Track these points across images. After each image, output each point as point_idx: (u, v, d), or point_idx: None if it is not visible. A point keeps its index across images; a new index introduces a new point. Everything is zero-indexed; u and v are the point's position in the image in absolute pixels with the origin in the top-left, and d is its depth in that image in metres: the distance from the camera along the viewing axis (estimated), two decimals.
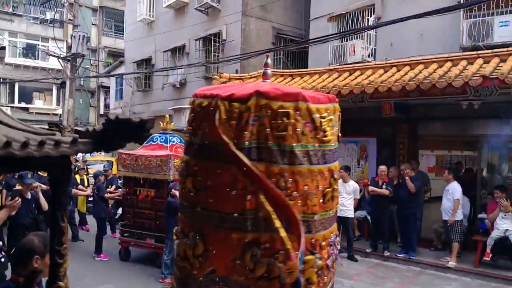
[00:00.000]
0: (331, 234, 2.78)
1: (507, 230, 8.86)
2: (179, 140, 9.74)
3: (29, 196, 7.20)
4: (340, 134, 2.89)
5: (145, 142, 9.62)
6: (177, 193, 8.26)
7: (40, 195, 7.66)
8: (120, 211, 11.59)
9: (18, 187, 7.30)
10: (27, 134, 1.89)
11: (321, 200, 2.65)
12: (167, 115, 10.34)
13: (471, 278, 9.03)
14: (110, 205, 11.42)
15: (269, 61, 2.93)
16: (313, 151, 2.58)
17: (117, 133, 1.86)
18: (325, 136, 2.64)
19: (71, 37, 21.77)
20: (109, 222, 11.34)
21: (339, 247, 2.85)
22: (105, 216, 10.61)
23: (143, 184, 9.53)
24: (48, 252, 2.94)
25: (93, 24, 32.24)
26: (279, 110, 2.46)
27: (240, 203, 2.45)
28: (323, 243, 2.70)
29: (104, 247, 10.08)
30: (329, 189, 2.71)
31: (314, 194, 2.60)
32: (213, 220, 2.55)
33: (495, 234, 9.01)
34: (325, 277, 2.70)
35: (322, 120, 2.62)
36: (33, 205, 7.33)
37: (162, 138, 9.63)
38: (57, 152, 1.76)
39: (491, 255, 9.04)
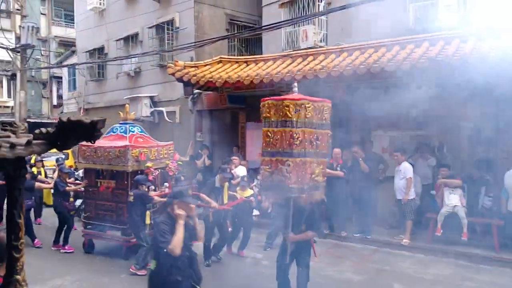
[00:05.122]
0: None
1: (455, 206, 9.24)
2: (139, 130, 9.69)
3: None
4: None
5: (106, 133, 9.54)
6: (145, 188, 8.34)
7: None
8: (78, 203, 11.46)
9: None
10: None
11: None
12: (127, 105, 10.27)
13: (425, 254, 9.37)
14: (71, 198, 11.21)
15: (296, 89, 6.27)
16: None
17: (70, 133, 1.91)
18: None
19: (20, 28, 21.04)
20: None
21: None
22: (64, 210, 10.32)
23: (104, 176, 9.46)
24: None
25: (42, 14, 31.20)
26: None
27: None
28: None
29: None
30: None
31: None
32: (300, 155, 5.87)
33: (444, 210, 9.38)
34: None
35: None
36: None
37: (122, 129, 9.54)
38: (13, 154, 1.80)
39: (441, 230, 9.40)
